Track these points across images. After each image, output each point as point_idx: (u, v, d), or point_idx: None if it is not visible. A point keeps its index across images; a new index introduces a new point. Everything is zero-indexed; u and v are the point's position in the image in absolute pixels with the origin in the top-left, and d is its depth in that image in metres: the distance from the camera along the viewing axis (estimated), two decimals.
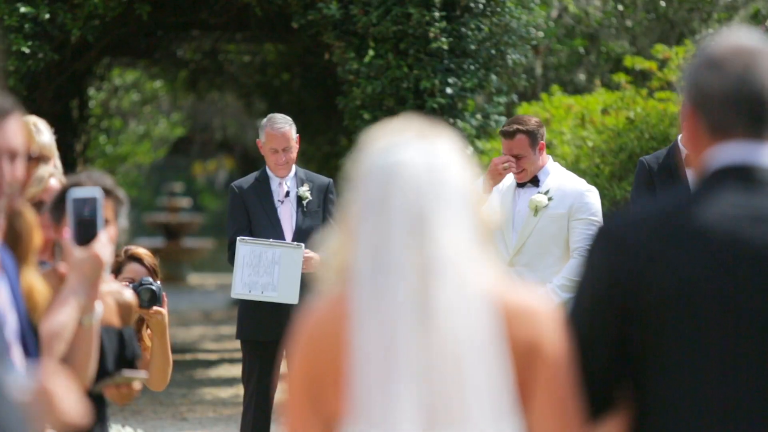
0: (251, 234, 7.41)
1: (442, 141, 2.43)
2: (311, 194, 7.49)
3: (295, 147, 7.50)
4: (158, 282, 5.03)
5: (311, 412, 2.42)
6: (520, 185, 6.89)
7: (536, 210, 6.75)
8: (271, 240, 7.29)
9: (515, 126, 6.85)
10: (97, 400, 3.83)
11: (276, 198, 7.49)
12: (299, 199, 7.46)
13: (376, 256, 2.36)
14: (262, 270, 7.24)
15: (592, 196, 6.78)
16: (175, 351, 16.64)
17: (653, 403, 2.42)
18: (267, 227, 7.43)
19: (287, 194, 7.50)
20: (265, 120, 7.61)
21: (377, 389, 2.34)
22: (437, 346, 2.34)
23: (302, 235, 7.41)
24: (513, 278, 2.50)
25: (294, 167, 7.56)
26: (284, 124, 7.48)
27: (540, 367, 2.38)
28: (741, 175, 2.47)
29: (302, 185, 7.50)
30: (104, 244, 3.37)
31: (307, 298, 6.86)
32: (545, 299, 2.44)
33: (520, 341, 2.37)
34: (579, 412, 2.41)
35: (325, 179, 7.68)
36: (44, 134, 5.11)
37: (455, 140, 2.45)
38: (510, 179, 6.94)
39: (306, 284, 7.12)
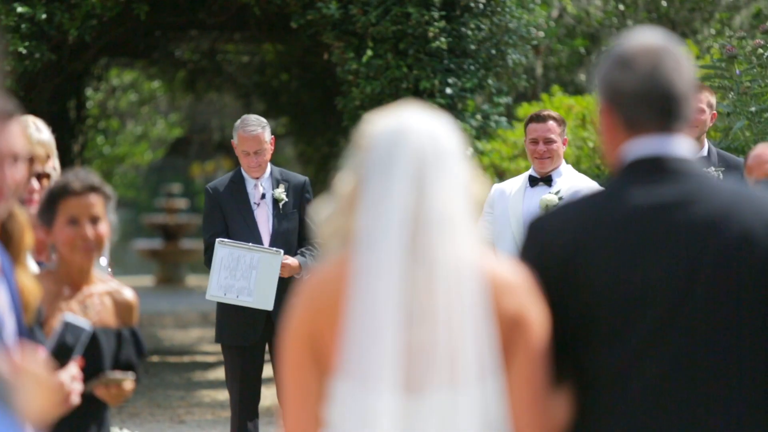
0: (228, 237, 7.37)
1: (442, 119, 2.65)
2: (287, 195, 7.42)
3: (268, 149, 7.41)
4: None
5: (311, 365, 2.59)
6: (532, 185, 6.91)
7: (546, 209, 6.77)
8: (250, 244, 7.25)
9: (545, 112, 6.98)
10: (97, 402, 3.84)
11: (252, 200, 7.45)
12: (275, 201, 7.42)
13: (377, 210, 2.54)
14: (239, 274, 7.21)
15: None
16: (173, 353, 16.57)
17: (593, 376, 2.69)
18: (244, 230, 7.39)
19: (263, 196, 7.45)
20: (238, 121, 7.52)
21: (368, 346, 2.50)
22: (431, 302, 2.52)
23: (279, 237, 7.36)
24: (489, 250, 2.66)
25: (269, 167, 7.49)
26: (257, 127, 7.38)
27: (521, 338, 2.59)
28: (653, 165, 2.71)
29: (278, 186, 7.44)
30: (71, 377, 3.53)
31: (282, 304, 6.82)
32: (525, 273, 2.64)
33: (506, 312, 2.57)
34: (548, 380, 2.65)
35: (301, 178, 7.62)
36: (44, 133, 5.13)
37: (452, 125, 2.66)
38: (521, 180, 6.97)
39: (283, 290, 7.06)
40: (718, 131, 8.72)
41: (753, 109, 8.19)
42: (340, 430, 2.58)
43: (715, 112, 6.99)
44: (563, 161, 6.96)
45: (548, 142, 6.84)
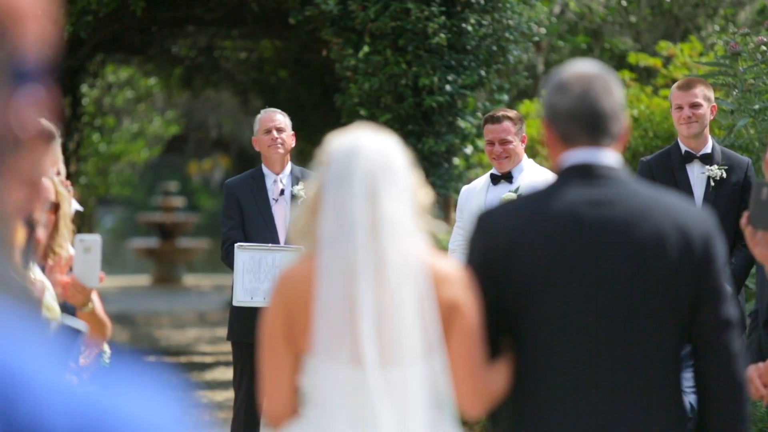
0: (244, 232, 7.42)
1: (390, 138, 3.20)
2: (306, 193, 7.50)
3: (290, 136, 7.55)
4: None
5: (285, 347, 3.10)
6: (494, 182, 6.99)
7: None
8: (270, 245, 7.29)
9: (501, 112, 7.03)
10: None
11: (270, 196, 7.51)
12: (294, 197, 7.47)
13: (339, 217, 3.07)
14: (263, 276, 7.23)
15: None
16: (169, 353, 16.57)
17: (527, 351, 3.21)
18: (260, 226, 7.44)
19: (282, 192, 7.51)
20: (259, 114, 7.71)
21: (337, 328, 3.04)
22: (386, 293, 3.05)
23: None
24: (431, 247, 3.18)
25: (290, 164, 7.58)
26: (278, 112, 7.61)
27: (457, 321, 3.09)
28: (583, 171, 3.24)
29: (297, 183, 7.51)
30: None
31: None
32: (460, 268, 3.16)
33: (445, 300, 3.09)
34: (483, 356, 3.16)
35: None
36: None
37: (399, 142, 3.22)
38: (484, 179, 7.08)
39: None
40: (721, 129, 8.72)
41: (757, 106, 8.20)
42: (315, 402, 3.09)
43: (714, 104, 6.99)
44: (524, 157, 7.03)
45: (504, 142, 6.93)
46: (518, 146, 6.96)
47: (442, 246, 3.10)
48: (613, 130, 3.27)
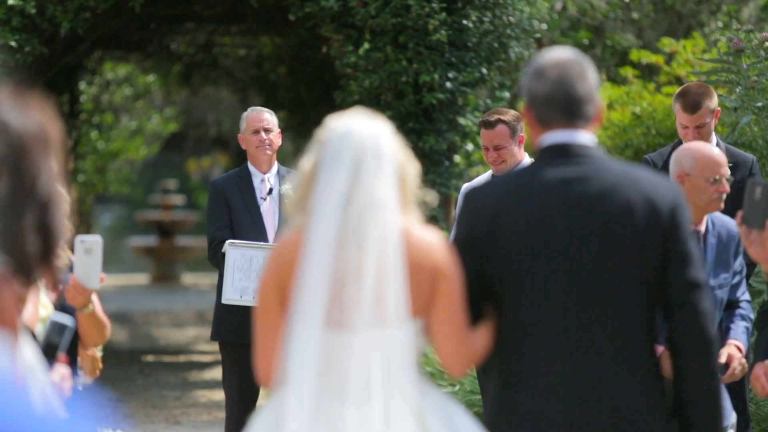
0: (233, 231, 7.41)
1: (382, 123, 3.48)
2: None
3: (277, 133, 7.57)
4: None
5: (277, 311, 3.39)
6: None
7: None
8: (261, 243, 7.26)
9: (495, 116, 6.96)
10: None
11: (258, 195, 7.50)
12: (281, 196, 7.46)
13: (327, 195, 3.37)
14: (253, 274, 7.20)
15: None
16: (168, 352, 16.56)
17: (509, 316, 3.51)
18: (249, 225, 7.42)
19: (270, 191, 7.50)
20: (244, 113, 7.75)
21: (321, 294, 3.33)
22: (367, 260, 3.34)
23: None
24: (418, 221, 3.48)
25: (276, 164, 7.58)
26: (265, 111, 7.63)
27: (441, 284, 3.38)
28: (560, 150, 3.55)
29: (284, 183, 7.50)
30: (61, 377, 3.78)
31: None
32: (441, 236, 3.45)
33: (430, 266, 3.37)
34: (466, 319, 3.44)
35: None
36: None
37: (391, 127, 3.50)
38: (485, 178, 7.06)
39: None
40: (725, 126, 8.71)
41: (760, 104, 8.19)
42: (300, 364, 3.36)
43: (718, 108, 6.96)
44: (525, 156, 7.00)
45: (498, 148, 6.91)
46: (514, 149, 6.92)
47: (432, 216, 3.54)
48: (587, 113, 3.60)
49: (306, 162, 3.47)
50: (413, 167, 3.50)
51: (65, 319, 3.75)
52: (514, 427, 3.52)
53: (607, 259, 3.47)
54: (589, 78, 3.59)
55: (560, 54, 3.61)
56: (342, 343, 3.35)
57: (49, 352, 3.67)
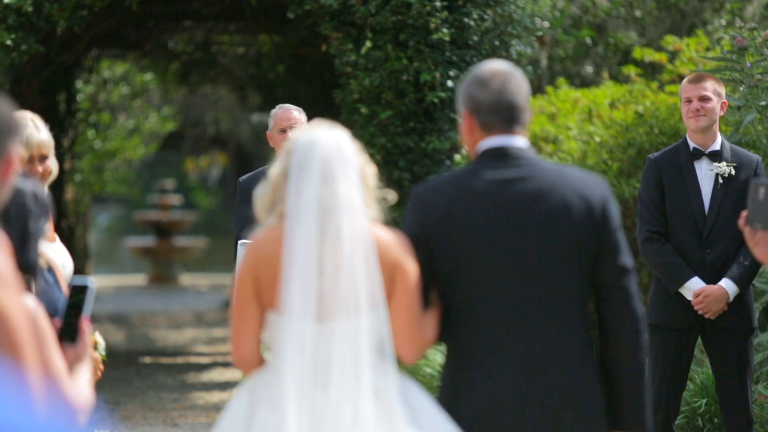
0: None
1: (342, 132, 3.91)
2: None
3: None
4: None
5: (252, 303, 3.80)
6: None
7: None
8: None
9: None
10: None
11: None
12: None
13: (299, 197, 3.77)
14: None
15: None
16: (166, 354, 16.51)
17: (459, 304, 3.90)
18: None
19: None
20: (274, 109, 7.77)
21: (301, 288, 3.72)
22: (341, 257, 3.74)
23: None
24: (378, 218, 3.89)
25: None
26: (293, 109, 7.69)
27: (398, 279, 3.80)
28: (498, 154, 3.94)
29: None
30: (85, 344, 3.78)
31: None
32: (399, 236, 3.85)
33: (388, 262, 3.79)
34: (420, 311, 3.85)
35: None
36: (43, 132, 5.19)
37: (349, 135, 3.92)
38: None
39: None
40: (728, 125, 8.71)
41: (764, 102, 8.19)
42: (277, 352, 3.77)
43: (725, 101, 6.97)
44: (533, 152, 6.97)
45: None
46: None
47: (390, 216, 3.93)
48: (524, 120, 3.99)
49: (274, 169, 3.87)
50: (371, 170, 3.89)
51: (86, 281, 3.72)
52: (465, 405, 3.89)
53: (547, 250, 3.89)
54: (524, 89, 4.00)
55: (499, 65, 4.01)
56: (323, 332, 3.75)
57: (73, 315, 3.64)
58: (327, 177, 3.78)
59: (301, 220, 3.75)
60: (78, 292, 3.70)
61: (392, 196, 3.91)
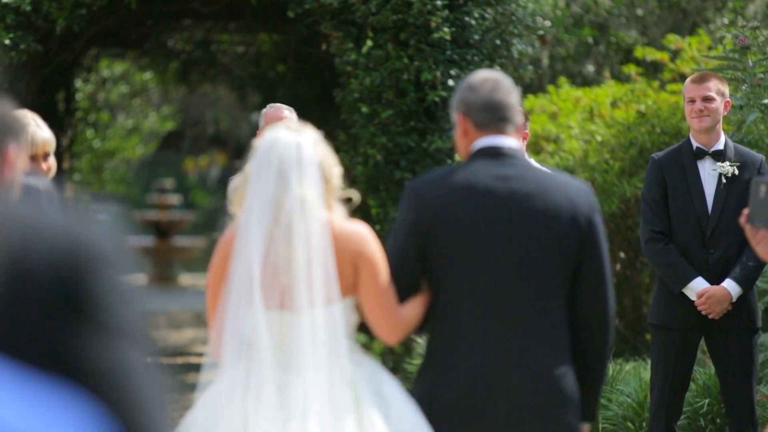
0: None
1: (307, 132, 4.14)
2: None
3: None
4: None
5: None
6: None
7: None
8: None
9: None
10: None
11: None
12: None
13: (259, 196, 4.00)
14: None
15: None
16: (165, 354, 16.49)
17: (447, 292, 4.15)
18: None
19: None
20: (265, 108, 7.71)
21: (251, 280, 3.96)
22: (296, 252, 3.97)
23: None
24: (342, 214, 4.13)
25: None
26: (284, 108, 7.61)
27: (363, 267, 4.04)
28: (491, 152, 4.21)
29: None
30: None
31: None
32: (364, 226, 4.09)
33: (351, 252, 4.02)
34: (393, 295, 4.09)
35: None
36: (45, 130, 5.20)
37: (316, 133, 4.17)
38: None
39: None
40: (731, 124, 8.71)
41: (766, 101, 8.19)
42: (234, 338, 4.05)
43: (728, 100, 6.97)
44: (527, 154, 6.90)
45: None
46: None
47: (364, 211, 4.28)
48: (515, 120, 4.25)
49: (246, 168, 4.14)
50: (337, 170, 4.10)
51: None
52: (443, 387, 4.14)
53: (533, 246, 4.14)
54: (515, 93, 4.29)
55: (489, 73, 4.34)
56: (283, 321, 4.01)
57: None
58: (284, 177, 4.02)
59: (254, 217, 4.00)
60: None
61: (356, 195, 4.16)
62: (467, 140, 4.25)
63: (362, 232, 4.10)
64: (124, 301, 2.08)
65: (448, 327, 4.15)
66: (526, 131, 6.94)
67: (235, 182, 4.17)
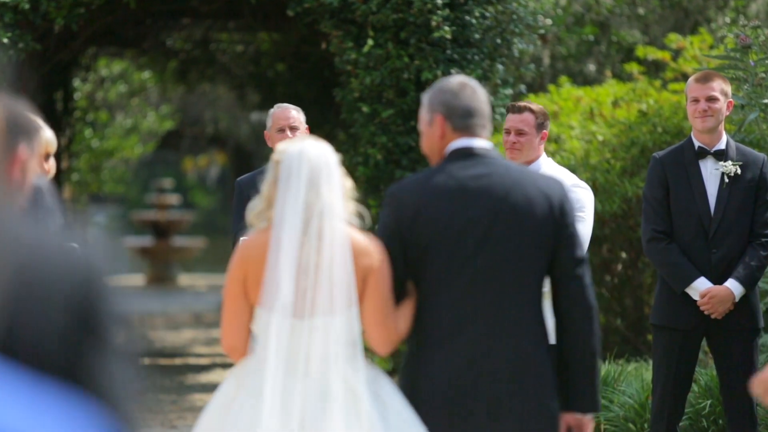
0: None
1: (326, 145, 4.39)
2: None
3: (304, 131, 7.56)
4: None
5: (241, 298, 4.33)
6: None
7: None
8: None
9: (525, 104, 6.82)
10: None
11: None
12: None
13: (287, 204, 4.27)
14: None
15: (582, 192, 6.58)
16: (164, 355, 16.51)
17: (426, 292, 4.39)
18: None
19: None
20: (272, 108, 7.71)
21: (280, 287, 4.21)
22: (321, 258, 4.24)
23: None
24: (356, 226, 4.37)
25: None
26: (292, 108, 7.62)
27: (370, 281, 4.29)
28: (465, 152, 4.48)
29: None
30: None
31: None
32: (374, 241, 4.35)
33: (362, 266, 4.29)
34: (392, 308, 4.34)
35: None
36: (47, 130, 5.22)
37: (331, 149, 4.41)
38: None
39: None
40: (732, 124, 8.71)
41: (767, 101, 8.19)
42: (261, 342, 4.29)
43: (731, 100, 6.98)
44: (544, 154, 6.83)
45: (519, 133, 6.70)
46: (534, 141, 6.73)
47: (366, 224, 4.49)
48: (488, 126, 4.54)
49: (265, 182, 4.38)
50: (349, 182, 4.38)
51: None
52: (421, 377, 4.36)
53: (510, 240, 4.37)
54: (487, 99, 4.61)
55: (463, 78, 4.63)
56: (302, 327, 4.24)
57: None
58: (313, 185, 4.28)
59: (287, 224, 4.25)
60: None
61: (367, 215, 4.39)
62: (442, 142, 4.52)
63: (374, 247, 4.35)
64: (115, 316, 2.40)
65: (428, 321, 4.38)
66: (545, 131, 6.83)
67: (254, 201, 4.41)
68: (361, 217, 4.39)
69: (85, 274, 2.28)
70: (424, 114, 4.58)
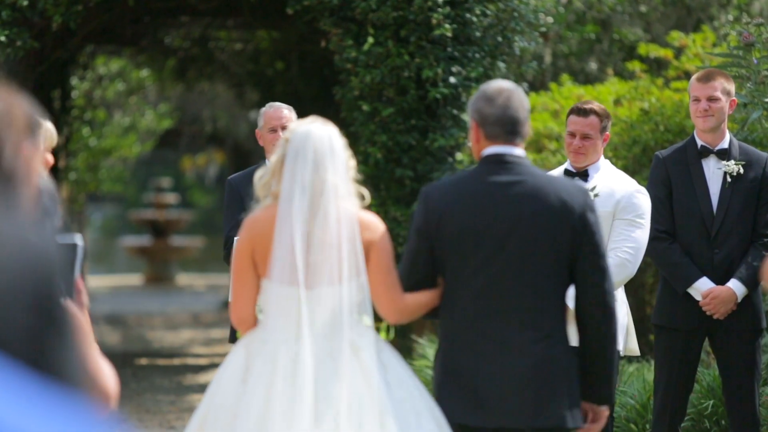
0: None
1: (334, 128, 4.67)
2: None
3: None
4: None
5: (248, 271, 4.60)
6: (569, 176, 6.70)
7: None
8: None
9: (590, 105, 6.68)
10: None
11: None
12: None
13: (293, 183, 4.56)
14: None
15: (642, 198, 6.53)
16: (162, 355, 16.53)
17: (447, 287, 4.70)
18: None
19: None
20: (263, 107, 7.68)
21: (288, 260, 4.51)
22: (328, 235, 4.53)
23: None
24: (359, 202, 4.65)
25: None
26: (284, 107, 7.58)
27: (372, 253, 4.60)
28: (498, 160, 4.72)
29: None
30: (82, 303, 3.95)
31: None
32: (377, 218, 4.69)
33: (366, 239, 4.59)
34: (395, 278, 4.67)
35: None
36: (48, 124, 5.24)
37: (337, 131, 4.69)
38: (557, 173, 6.67)
39: None
40: (735, 122, 8.71)
41: None
42: (270, 313, 4.56)
43: (734, 98, 6.97)
44: (601, 157, 6.77)
45: (585, 137, 6.57)
46: (598, 144, 6.64)
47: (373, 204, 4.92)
48: (523, 133, 4.75)
49: (274, 155, 4.64)
50: (353, 162, 4.65)
51: (74, 239, 3.71)
52: (444, 373, 4.67)
53: (528, 244, 4.62)
54: (526, 105, 4.77)
55: (505, 84, 4.80)
56: (310, 297, 4.53)
57: (65, 275, 3.64)
58: (318, 165, 4.56)
59: (294, 201, 4.52)
60: (66, 252, 3.64)
61: (366, 193, 4.66)
62: (478, 147, 4.78)
63: (377, 222, 4.69)
64: (67, 299, 2.49)
65: (451, 319, 4.69)
66: (608, 133, 6.71)
67: (260, 171, 4.66)
68: (362, 197, 4.65)
69: (45, 268, 2.39)
70: (469, 119, 4.82)
